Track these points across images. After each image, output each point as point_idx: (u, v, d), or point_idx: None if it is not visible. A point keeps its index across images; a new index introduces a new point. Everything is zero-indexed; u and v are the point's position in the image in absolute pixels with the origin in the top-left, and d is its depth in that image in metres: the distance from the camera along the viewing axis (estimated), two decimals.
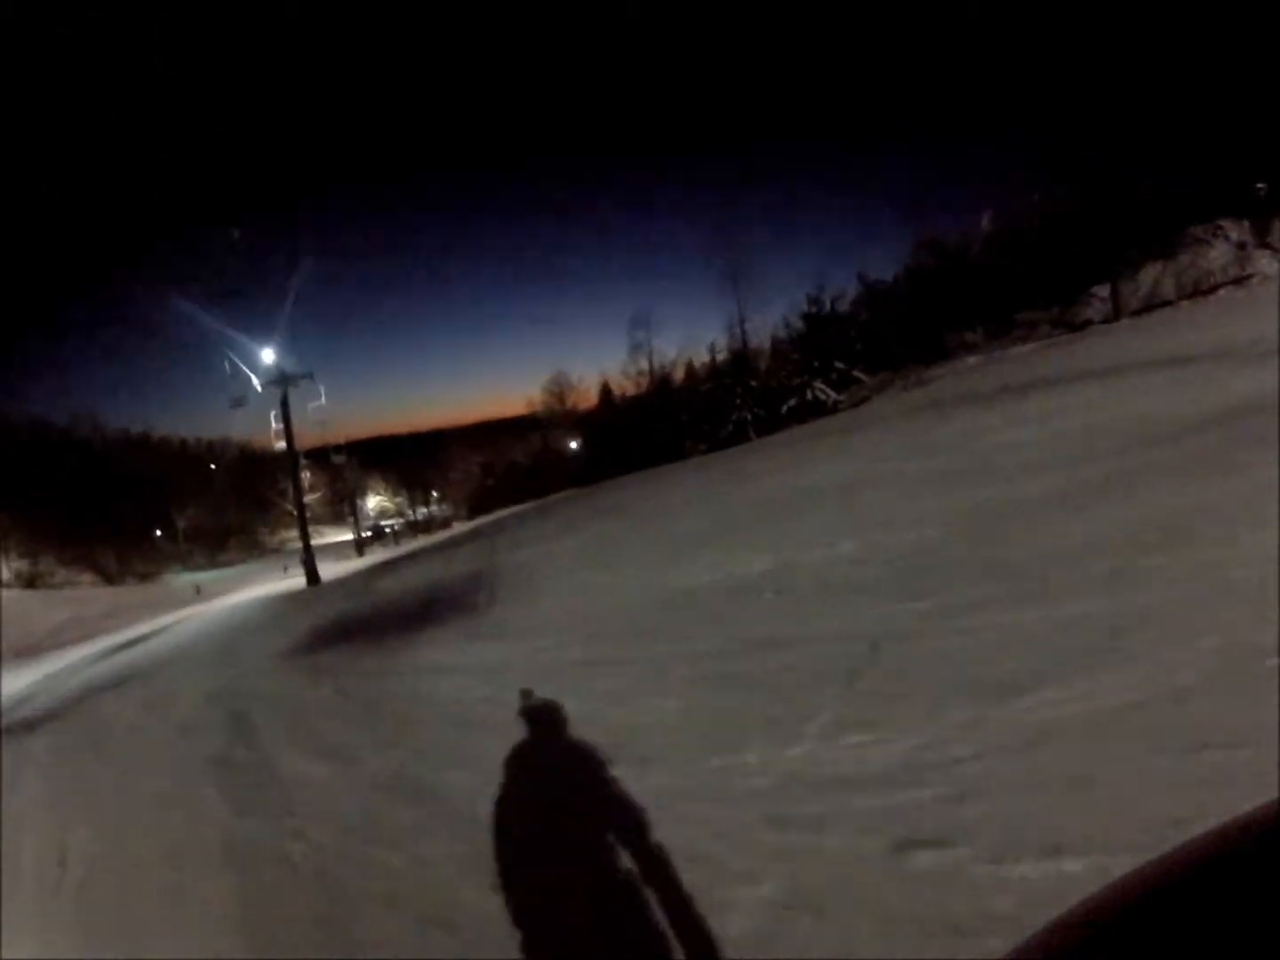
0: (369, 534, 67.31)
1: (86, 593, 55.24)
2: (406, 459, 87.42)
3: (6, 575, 59.50)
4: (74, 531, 64.53)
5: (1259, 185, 34.37)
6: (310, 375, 30.18)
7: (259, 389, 28.76)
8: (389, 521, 77.70)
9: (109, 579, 64.22)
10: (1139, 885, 0.77)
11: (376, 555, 46.68)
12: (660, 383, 52.52)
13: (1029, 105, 44.22)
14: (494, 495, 63.56)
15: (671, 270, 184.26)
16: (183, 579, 60.25)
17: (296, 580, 32.15)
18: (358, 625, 11.80)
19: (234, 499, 80.00)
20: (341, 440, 60.82)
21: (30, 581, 60.15)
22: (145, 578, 65.35)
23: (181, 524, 73.77)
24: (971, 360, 35.01)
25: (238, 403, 29.42)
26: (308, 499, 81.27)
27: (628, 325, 63.06)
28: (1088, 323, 34.22)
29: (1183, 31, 33.35)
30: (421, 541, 41.58)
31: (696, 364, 53.28)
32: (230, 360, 28.66)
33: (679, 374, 53.71)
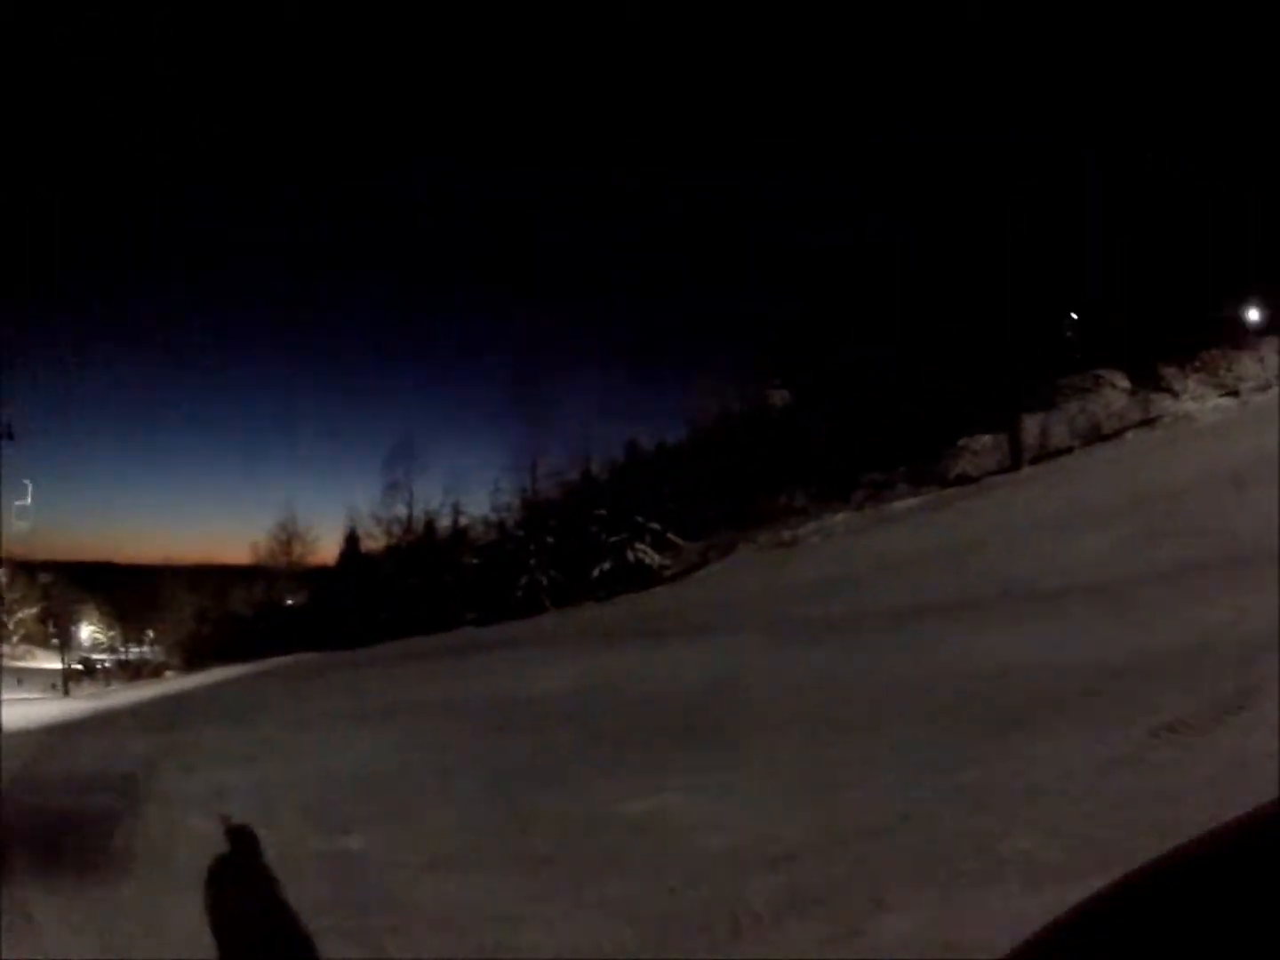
0: (79, 666, 62.87)
1: None
2: (123, 590, 76.30)
3: None
4: None
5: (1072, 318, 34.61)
6: (8, 433, 24.44)
7: None
8: (101, 656, 71.77)
9: None
10: (1139, 885, 0.84)
11: (83, 695, 42.04)
12: (424, 532, 44.57)
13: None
14: (210, 645, 54.95)
15: (441, 396, 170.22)
16: None
17: None
18: None
19: None
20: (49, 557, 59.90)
21: None
22: None
23: None
24: (814, 526, 30.95)
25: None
26: (20, 614, 69.47)
27: (382, 461, 52.71)
28: (964, 477, 31.18)
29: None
30: (128, 695, 33.02)
31: (471, 511, 45.17)
32: None
33: (445, 523, 45.59)
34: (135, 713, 20.20)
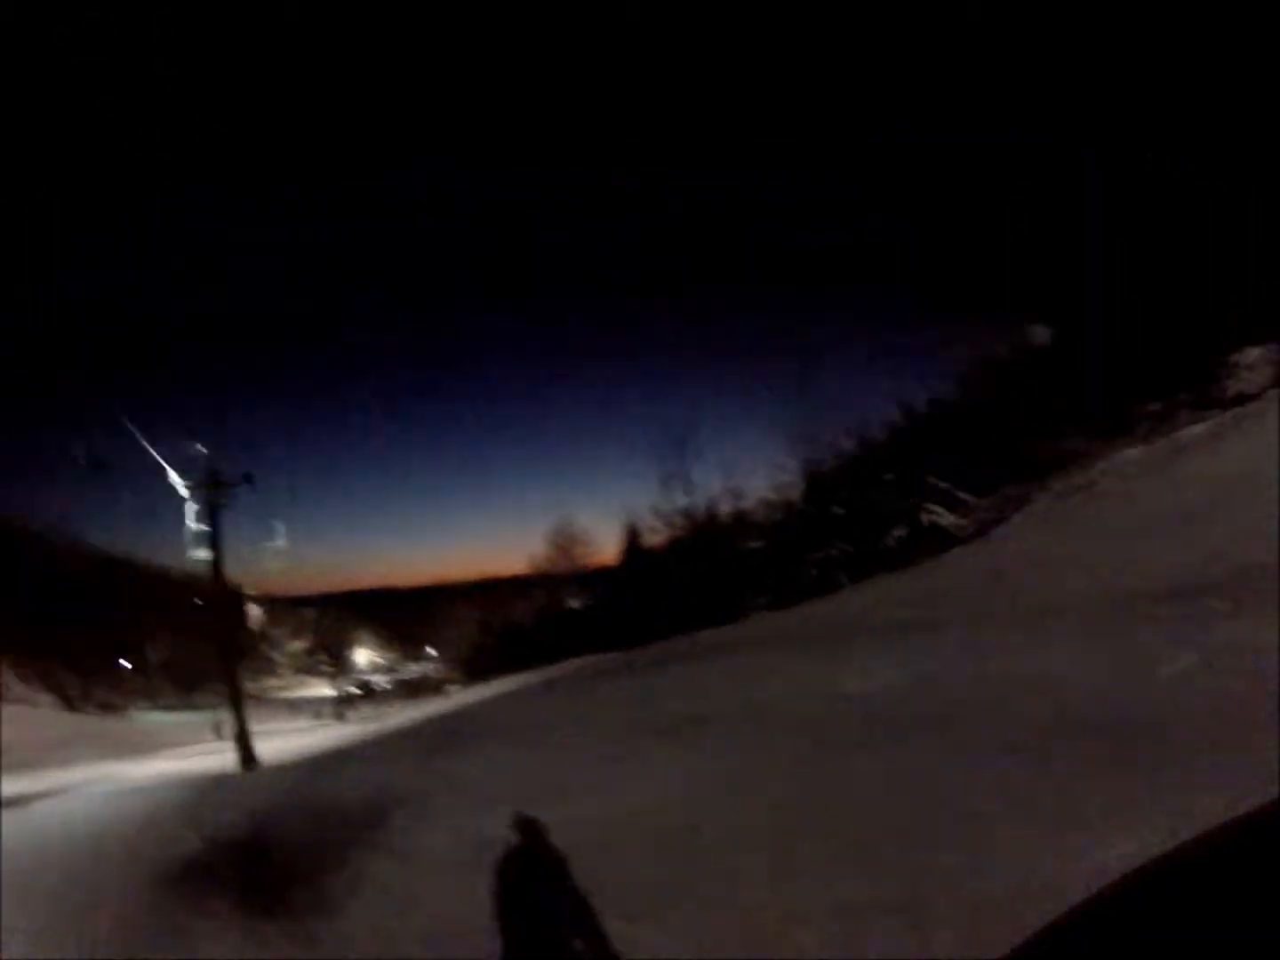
0: (357, 690, 64.44)
1: (41, 715, 51.64)
2: (401, 612, 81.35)
3: None
4: (37, 646, 60.30)
5: None
6: (249, 480, 23.99)
7: (183, 494, 23.20)
8: (379, 678, 73.50)
9: (69, 704, 59.42)
10: (1138, 885, 0.92)
11: (359, 719, 43.21)
12: (705, 520, 42.85)
13: None
14: (491, 657, 56.10)
15: (709, 385, 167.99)
16: (151, 717, 55.72)
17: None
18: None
19: (213, 639, 72.96)
20: (312, 591, 57.65)
21: None
22: (108, 709, 60.69)
23: (153, 657, 68.54)
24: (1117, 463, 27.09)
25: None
26: (292, 646, 75.46)
27: (656, 453, 51.85)
28: (1243, 396, 27.17)
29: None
30: (406, 715, 33.36)
31: (750, 493, 43.52)
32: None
33: (727, 508, 43.72)
34: (412, 734, 20.17)
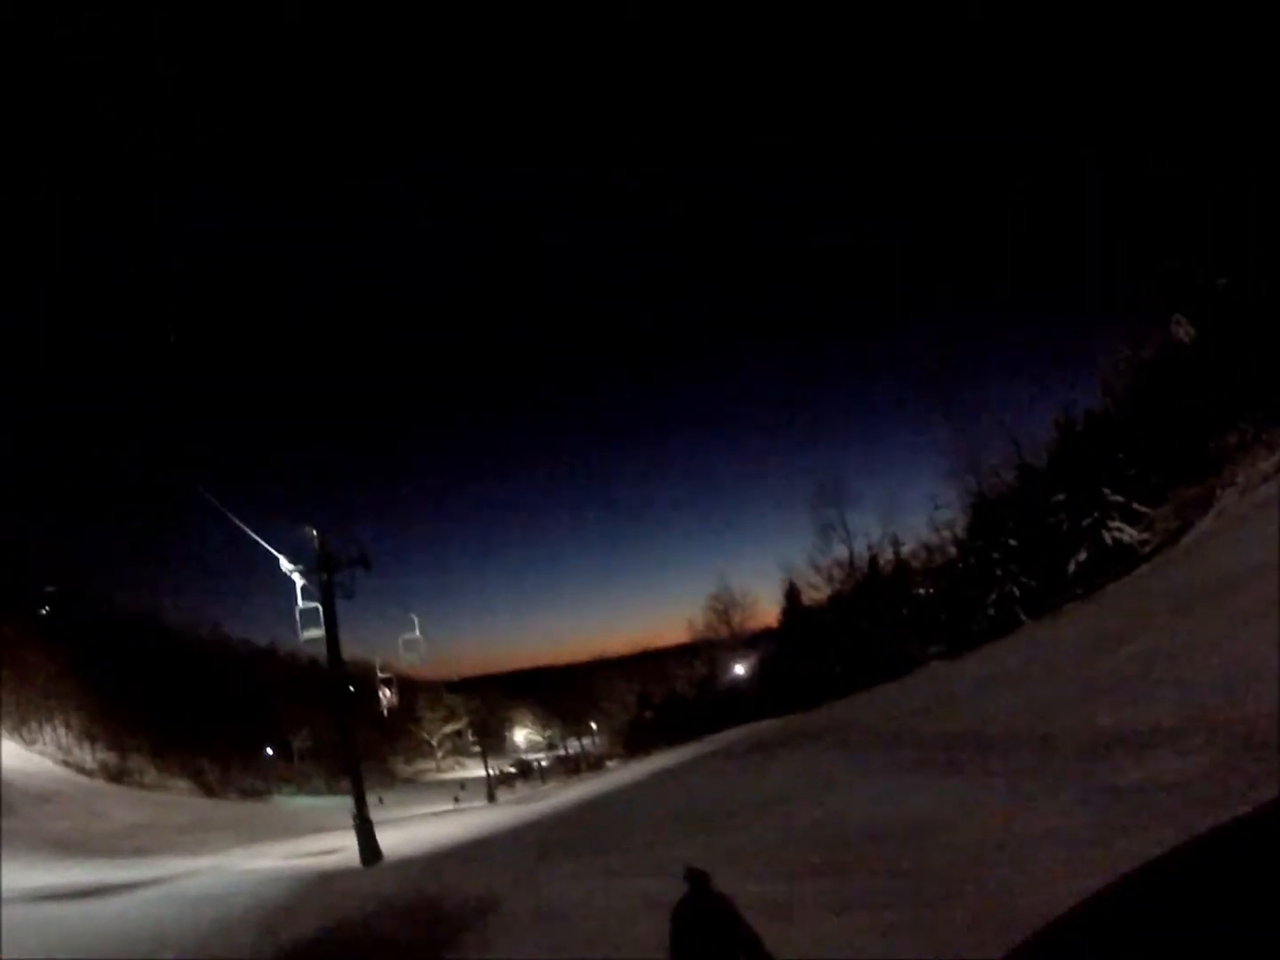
0: (513, 769, 64.40)
1: (176, 799, 53.88)
2: (558, 690, 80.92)
3: (91, 764, 57.79)
4: (176, 735, 61.54)
5: None
6: (364, 562, 22.74)
7: (294, 578, 22.08)
8: (536, 756, 73.08)
9: (208, 790, 60.44)
10: (1139, 884, 0.90)
11: (511, 800, 43.45)
12: (867, 570, 41.02)
13: None
14: (651, 729, 54.89)
15: (854, 424, 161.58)
16: (294, 802, 56.98)
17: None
18: None
19: (367, 723, 74.31)
20: (455, 676, 65.37)
21: (116, 776, 57.71)
22: (249, 795, 61.56)
23: (297, 743, 69.42)
24: None
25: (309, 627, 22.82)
26: (449, 728, 76.34)
27: (811, 504, 49.78)
28: None
29: None
30: (560, 795, 32.89)
31: (908, 535, 41.34)
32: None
33: (889, 554, 41.61)
34: (560, 821, 19.81)
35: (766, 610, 55.01)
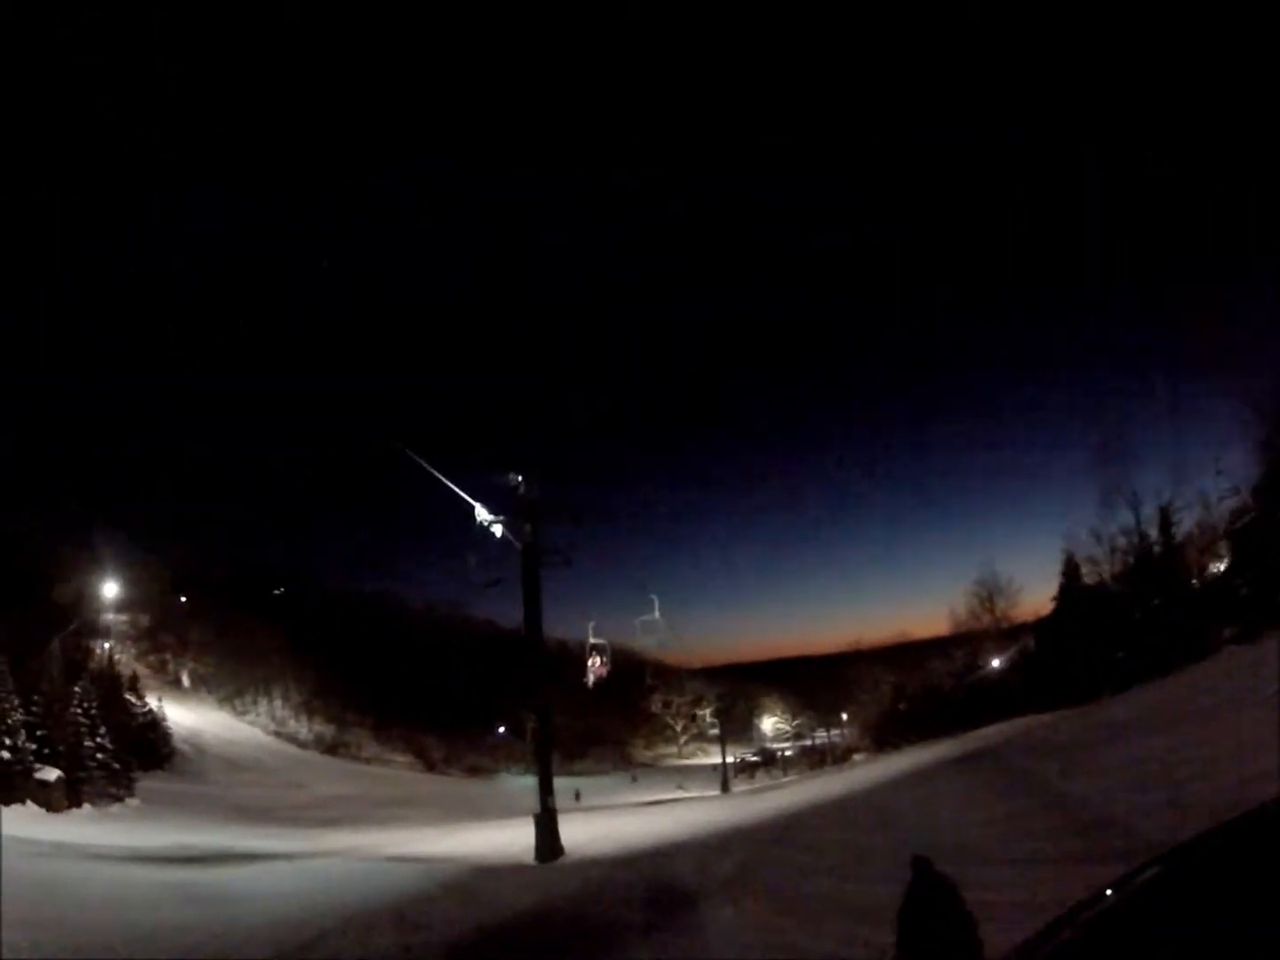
0: (755, 758, 63.20)
1: (391, 774, 55.39)
2: (808, 680, 78.22)
3: (306, 736, 61.25)
4: (401, 711, 63.83)
5: None
6: (575, 518, 21.22)
7: (487, 525, 19.33)
8: (782, 745, 71.88)
9: (430, 766, 62.47)
10: (1139, 884, 0.90)
11: (748, 791, 41.24)
12: (1160, 542, 35.68)
13: None
14: (904, 723, 52.83)
15: (1142, 383, 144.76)
16: (520, 781, 54.48)
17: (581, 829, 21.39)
18: None
19: (607, 705, 72.04)
20: (697, 663, 64.43)
21: (331, 749, 60.33)
22: (474, 772, 62.61)
23: (531, 723, 70.17)
24: None
25: (492, 582, 21.45)
26: (694, 713, 76.11)
27: (1093, 465, 44.36)
28: None
29: None
30: (798, 790, 30.44)
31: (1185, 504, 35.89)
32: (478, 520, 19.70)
33: (1181, 525, 36.01)
34: (789, 823, 17.83)
35: (1032, 599, 51.75)
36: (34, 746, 30.35)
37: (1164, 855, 0.93)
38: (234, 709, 61.79)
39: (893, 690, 62.86)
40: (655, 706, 77.83)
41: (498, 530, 19.20)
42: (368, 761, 60.29)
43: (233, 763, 47.08)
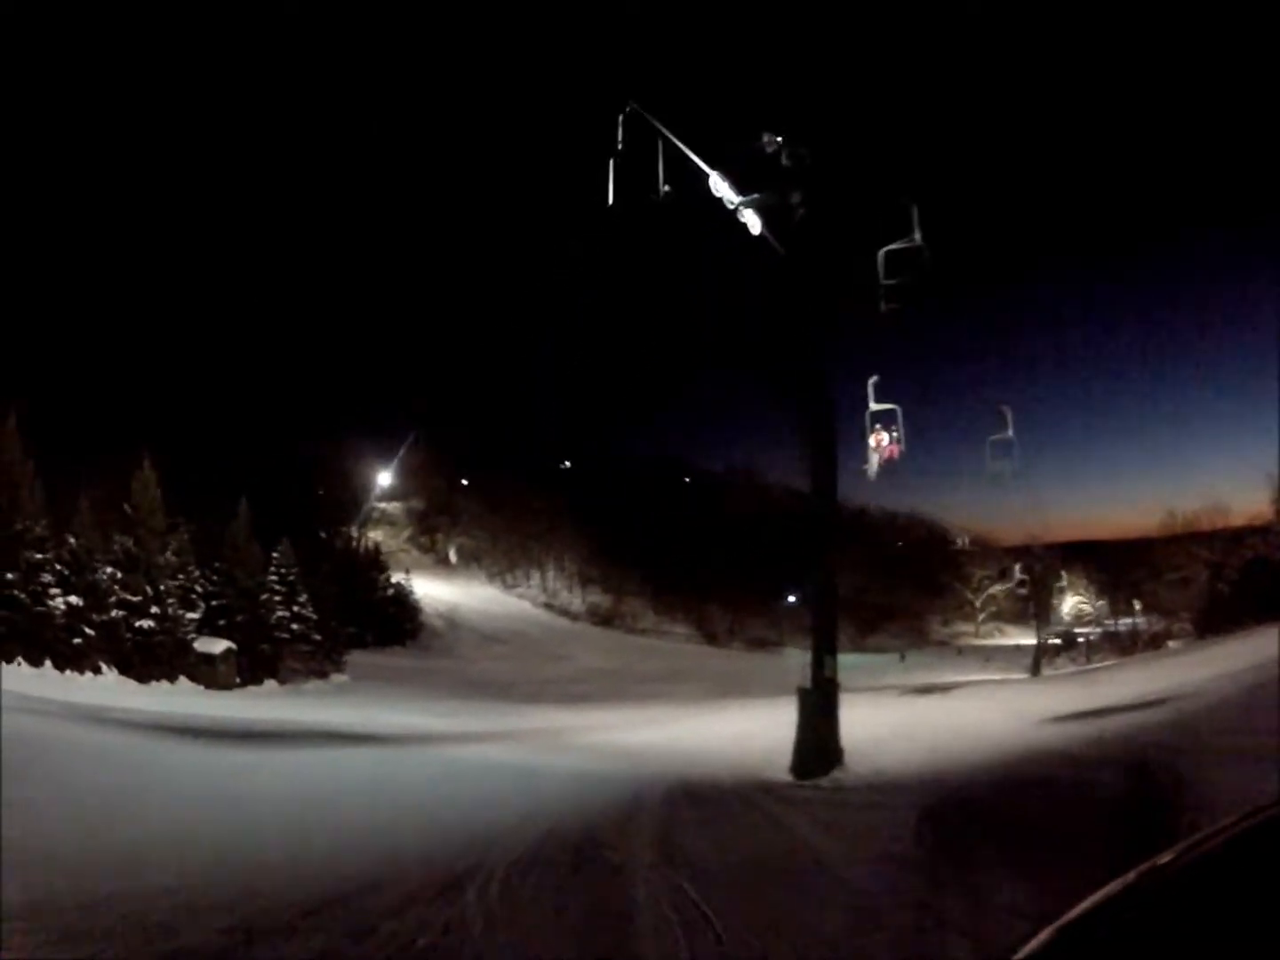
0: (1057, 641, 58.18)
1: (666, 646, 53.39)
2: (1114, 562, 74.07)
3: (578, 608, 60.43)
4: (683, 580, 61.45)
5: None
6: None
7: (732, 207, 12.37)
8: (1084, 630, 66.79)
9: (710, 638, 60.51)
10: (1140, 884, 0.88)
11: (1061, 676, 36.91)
12: None
13: None
14: (1229, 604, 47.44)
15: None
16: (806, 656, 54.42)
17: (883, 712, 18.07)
18: None
19: (901, 578, 71.63)
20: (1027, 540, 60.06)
21: (605, 620, 59.19)
22: (757, 645, 59.06)
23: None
24: None
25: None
26: (995, 589, 73.36)
27: None
28: None
29: None
30: (1118, 679, 23.76)
31: None
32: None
33: None
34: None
35: None
36: (195, 616, 27.94)
37: (1166, 854, 0.94)
38: (504, 583, 62.01)
39: (1208, 568, 57.39)
40: (958, 578, 73.68)
41: (751, 222, 12.44)
42: (643, 633, 58.72)
43: (489, 636, 46.25)
